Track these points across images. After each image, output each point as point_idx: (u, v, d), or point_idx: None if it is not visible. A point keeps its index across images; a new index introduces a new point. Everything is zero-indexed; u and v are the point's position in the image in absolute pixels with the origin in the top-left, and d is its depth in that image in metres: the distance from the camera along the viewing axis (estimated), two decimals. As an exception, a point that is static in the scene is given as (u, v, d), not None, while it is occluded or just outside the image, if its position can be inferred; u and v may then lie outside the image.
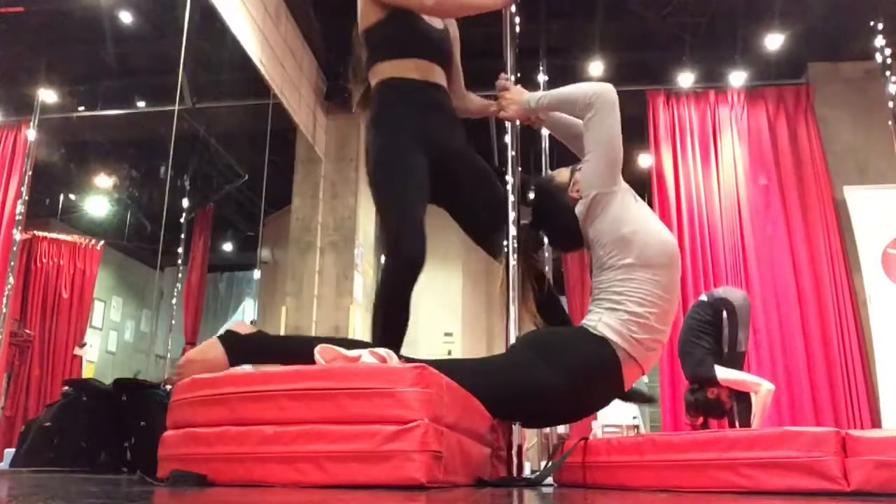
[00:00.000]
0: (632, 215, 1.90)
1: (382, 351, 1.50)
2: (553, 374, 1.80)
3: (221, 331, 1.90)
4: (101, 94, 6.00)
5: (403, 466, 1.24)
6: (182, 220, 6.23)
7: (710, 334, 3.58)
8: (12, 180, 5.71)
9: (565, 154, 2.26)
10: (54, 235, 6.77)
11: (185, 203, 6.34)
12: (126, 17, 5.26)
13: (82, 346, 6.60)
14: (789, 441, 1.41)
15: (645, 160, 6.22)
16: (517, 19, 2.39)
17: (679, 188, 5.76)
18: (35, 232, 6.47)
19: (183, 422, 1.54)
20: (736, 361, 3.54)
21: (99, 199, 7.17)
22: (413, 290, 1.97)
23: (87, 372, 6.73)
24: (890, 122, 5.18)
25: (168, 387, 2.60)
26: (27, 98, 5.75)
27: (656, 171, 5.82)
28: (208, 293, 7.79)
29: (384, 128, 2.11)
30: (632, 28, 5.74)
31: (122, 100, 6.01)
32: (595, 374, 1.84)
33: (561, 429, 4.05)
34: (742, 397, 3.53)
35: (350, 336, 5.47)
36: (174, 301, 6.60)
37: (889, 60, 5.23)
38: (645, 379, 2.05)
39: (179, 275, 6.55)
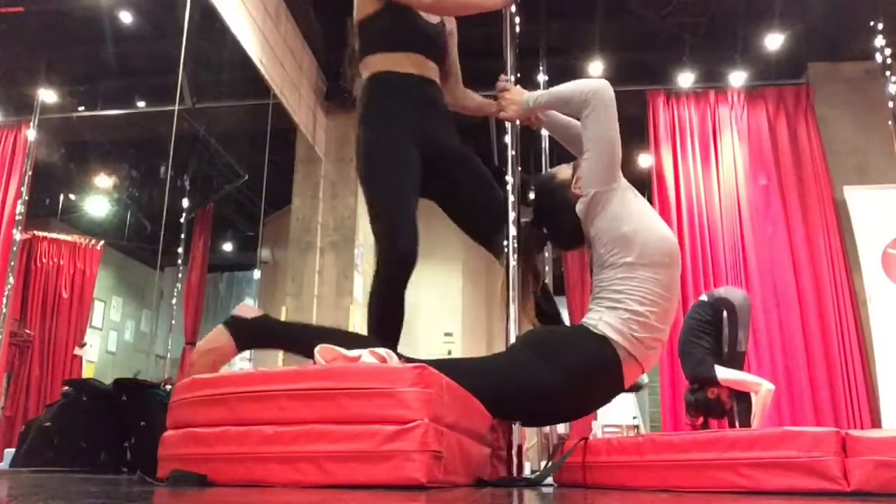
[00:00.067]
0: (632, 213, 1.90)
1: (382, 351, 1.50)
2: (553, 372, 1.80)
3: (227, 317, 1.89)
4: (101, 94, 6.00)
5: (403, 466, 1.24)
6: (182, 220, 6.23)
7: (710, 334, 3.58)
8: (12, 180, 5.71)
9: (565, 154, 2.25)
10: (54, 235, 6.76)
11: (185, 203, 6.34)
12: (126, 17, 5.26)
13: (82, 346, 6.60)
14: (789, 441, 1.41)
15: (645, 160, 6.23)
16: (517, 19, 2.38)
17: (679, 188, 5.76)
18: (35, 232, 6.47)
19: (183, 422, 1.54)
20: (736, 361, 3.54)
21: (99, 199, 7.17)
22: (407, 286, 1.96)
23: (87, 372, 6.73)
24: (890, 122, 5.18)
25: (168, 387, 2.60)
26: (27, 98, 5.75)
27: (656, 171, 5.82)
28: (208, 293, 7.79)
29: (376, 122, 2.09)
30: (632, 28, 5.74)
31: (122, 100, 6.01)
32: (595, 372, 1.84)
33: (561, 429, 4.05)
34: (742, 397, 3.53)
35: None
36: (174, 301, 6.61)
37: (889, 60, 5.23)
38: (645, 377, 2.05)
39: (179, 275, 6.55)
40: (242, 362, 1.92)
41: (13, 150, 5.80)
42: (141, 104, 6.07)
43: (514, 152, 2.28)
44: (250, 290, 9.17)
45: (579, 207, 1.95)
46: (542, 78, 5.65)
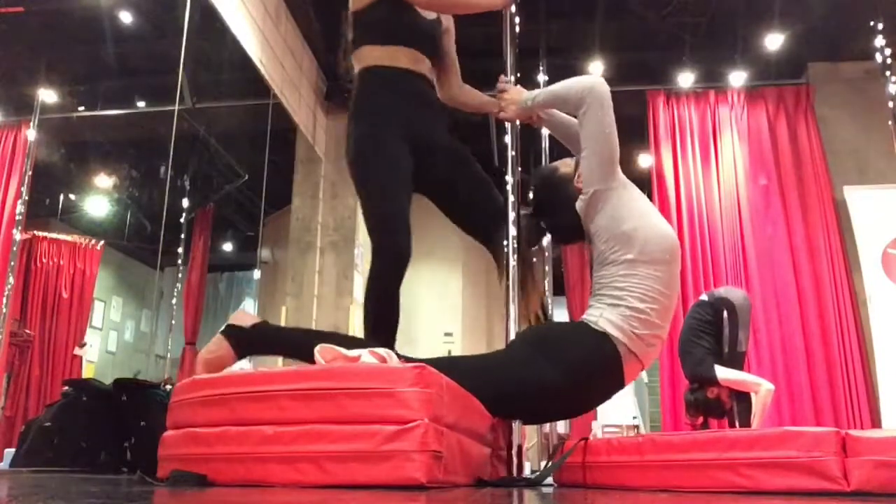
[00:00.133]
0: (633, 210, 1.90)
1: (382, 351, 1.50)
2: (554, 369, 1.80)
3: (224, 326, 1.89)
4: (101, 94, 6.00)
5: (403, 466, 1.24)
6: (182, 220, 6.23)
7: (710, 334, 3.58)
8: (12, 180, 5.71)
9: (565, 154, 2.25)
10: (54, 235, 6.77)
11: (185, 203, 6.34)
12: (126, 17, 5.26)
13: (82, 346, 6.60)
14: (789, 441, 1.41)
15: (645, 160, 6.22)
16: (517, 19, 2.38)
17: (679, 188, 5.76)
18: (35, 232, 6.47)
19: (183, 422, 1.54)
20: (736, 361, 3.54)
21: (99, 199, 7.17)
22: (401, 283, 1.96)
23: (87, 372, 6.73)
24: (890, 122, 5.17)
25: (168, 387, 2.60)
26: (27, 98, 5.75)
27: (656, 171, 5.82)
28: (208, 293, 7.78)
29: (367, 117, 2.08)
30: (632, 28, 5.74)
31: (122, 100, 6.01)
32: (596, 369, 1.84)
33: (561, 428, 4.05)
34: (742, 397, 3.53)
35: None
36: (174, 301, 6.61)
37: (889, 60, 5.23)
38: (645, 377, 2.05)
39: (179, 275, 6.55)
40: (242, 362, 1.91)
41: (13, 150, 5.80)
42: (141, 104, 6.07)
43: (514, 152, 2.27)
44: (250, 290, 9.18)
45: (579, 205, 1.95)
46: (542, 78, 5.65)
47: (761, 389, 3.47)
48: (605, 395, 1.99)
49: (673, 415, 5.17)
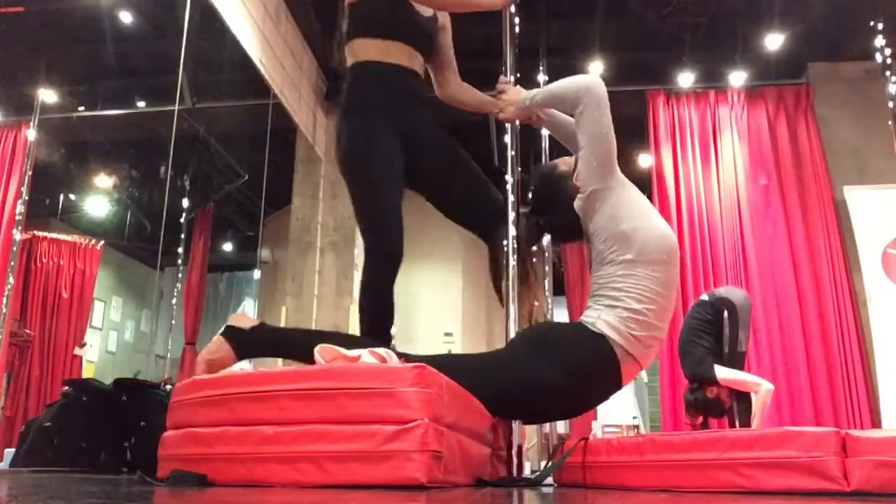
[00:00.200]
0: (632, 210, 1.90)
1: (382, 351, 1.50)
2: (554, 369, 1.80)
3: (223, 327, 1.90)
4: (101, 94, 6.00)
5: (403, 466, 1.24)
6: (182, 220, 6.23)
7: (710, 334, 3.58)
8: (12, 180, 5.71)
9: (565, 154, 2.25)
10: (54, 235, 6.77)
11: (185, 203, 6.34)
12: (126, 17, 5.26)
13: (82, 346, 6.60)
14: (789, 441, 1.41)
15: (645, 160, 6.22)
16: (517, 19, 2.38)
17: (679, 188, 5.76)
18: (35, 232, 6.47)
19: (183, 422, 1.54)
20: (736, 361, 3.54)
21: (99, 199, 7.17)
22: (395, 280, 1.96)
23: (87, 372, 6.73)
24: (890, 122, 5.18)
25: (168, 387, 2.60)
26: (27, 98, 5.75)
27: (656, 171, 5.82)
28: (208, 293, 7.78)
29: (359, 113, 2.07)
30: (632, 28, 5.74)
31: (122, 100, 6.01)
32: (594, 370, 1.84)
33: (561, 428, 4.05)
34: (742, 397, 3.53)
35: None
36: (174, 301, 6.60)
37: (889, 60, 5.23)
38: (645, 377, 2.05)
39: (179, 275, 6.55)
40: (242, 363, 1.91)
41: (13, 150, 5.80)
42: (141, 104, 6.07)
43: (513, 152, 2.28)
44: (250, 290, 9.18)
45: (577, 204, 1.94)
46: (541, 78, 5.65)
47: (761, 389, 3.47)
48: (603, 396, 1.99)
49: (673, 415, 5.17)
